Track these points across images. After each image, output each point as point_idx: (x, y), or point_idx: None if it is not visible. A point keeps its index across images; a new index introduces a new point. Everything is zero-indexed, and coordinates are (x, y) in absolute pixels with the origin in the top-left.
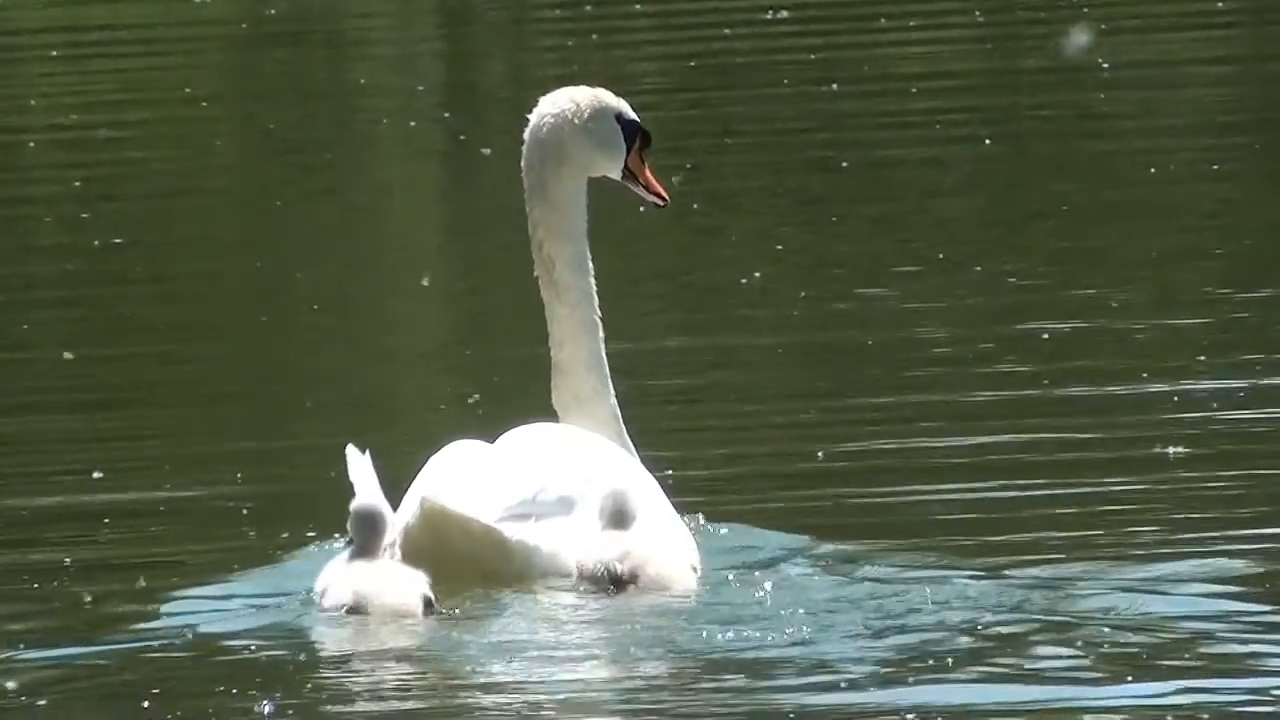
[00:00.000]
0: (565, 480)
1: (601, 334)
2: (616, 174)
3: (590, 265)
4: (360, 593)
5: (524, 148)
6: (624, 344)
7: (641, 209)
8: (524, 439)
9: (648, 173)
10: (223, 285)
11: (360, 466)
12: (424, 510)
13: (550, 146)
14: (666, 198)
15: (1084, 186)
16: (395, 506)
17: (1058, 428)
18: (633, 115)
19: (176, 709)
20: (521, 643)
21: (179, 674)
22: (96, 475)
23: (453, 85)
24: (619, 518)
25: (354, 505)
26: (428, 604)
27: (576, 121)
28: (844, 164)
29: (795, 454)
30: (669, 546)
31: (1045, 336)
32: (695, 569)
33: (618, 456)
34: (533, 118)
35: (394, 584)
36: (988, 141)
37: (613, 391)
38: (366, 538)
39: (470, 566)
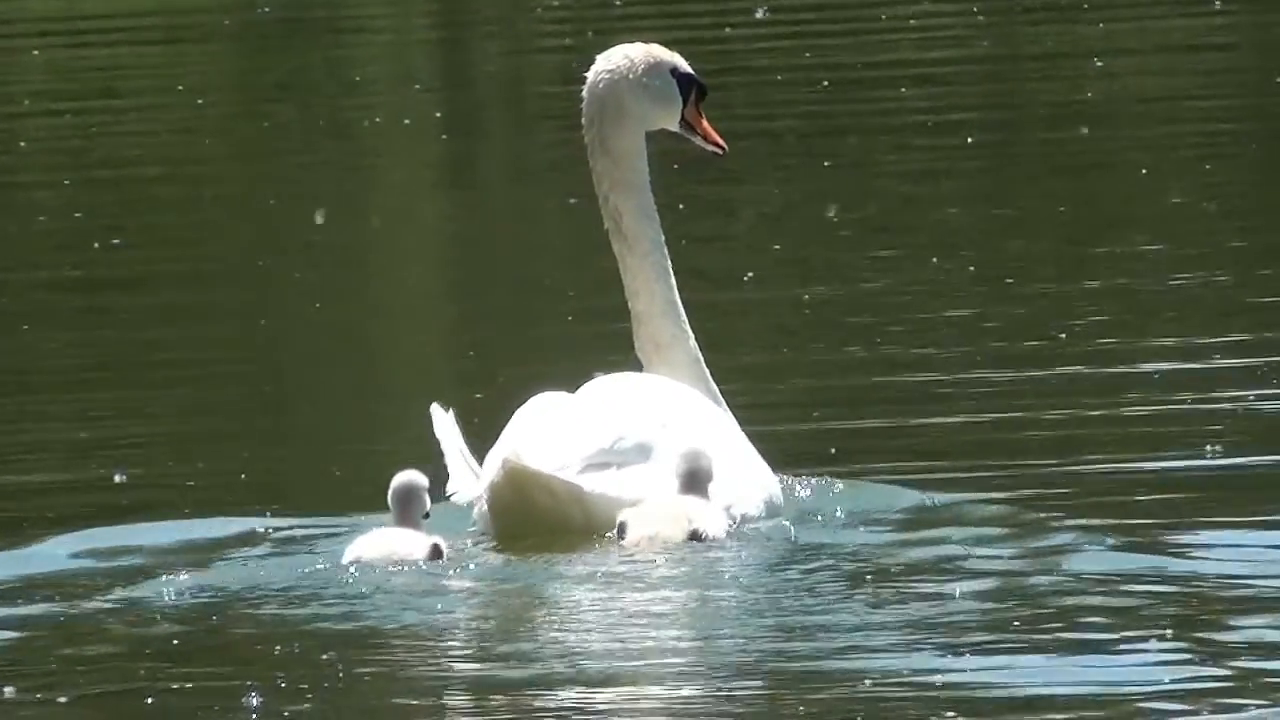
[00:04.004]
0: (642, 428)
1: (674, 280)
2: (674, 126)
3: (656, 215)
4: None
5: (583, 105)
6: (618, 352)
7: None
8: (603, 389)
9: (704, 123)
10: (219, 284)
11: (445, 424)
12: (506, 470)
13: (608, 103)
14: (724, 146)
15: (1081, 180)
16: (480, 459)
17: (1062, 411)
18: (687, 68)
19: (171, 692)
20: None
21: (176, 656)
22: (105, 461)
23: (448, 82)
24: (691, 480)
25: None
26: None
27: (631, 77)
28: (826, 164)
29: (800, 439)
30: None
31: (1062, 336)
32: (700, 532)
33: (697, 403)
34: (590, 76)
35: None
36: (969, 140)
37: (691, 335)
38: (399, 511)
39: (554, 521)
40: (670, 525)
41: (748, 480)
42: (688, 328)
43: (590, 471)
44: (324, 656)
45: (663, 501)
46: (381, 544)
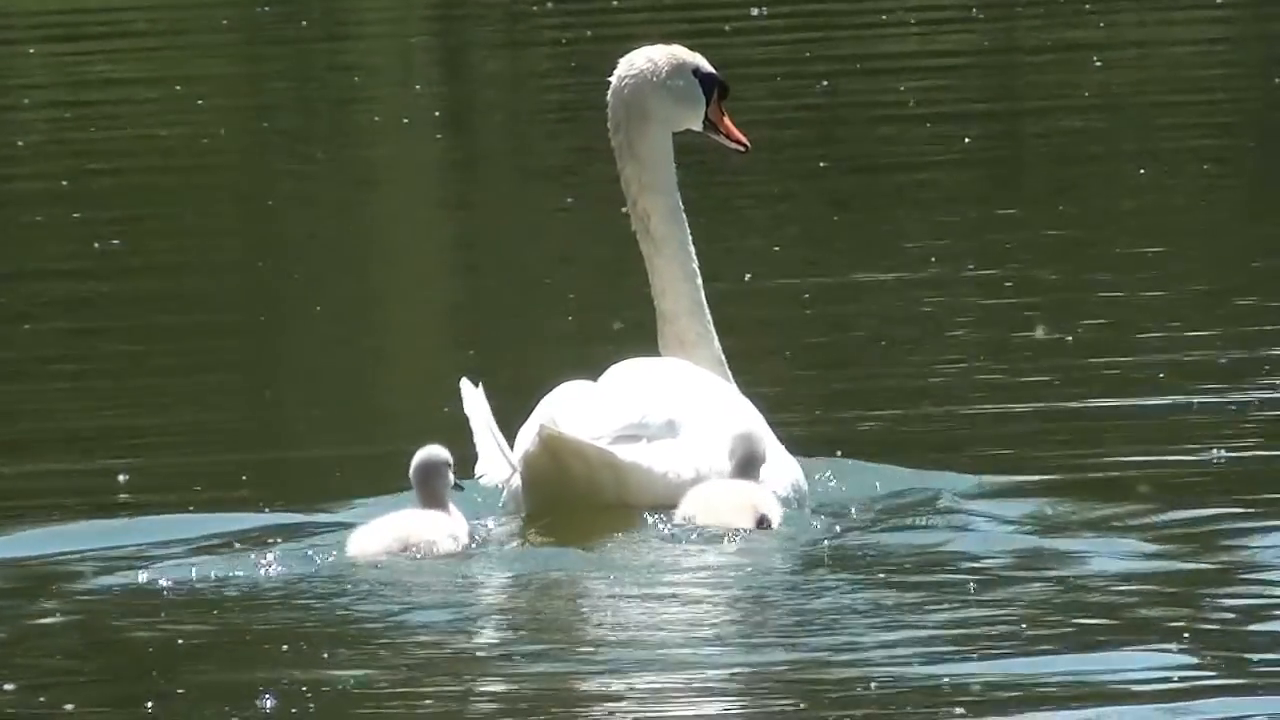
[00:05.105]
0: (670, 404)
1: (700, 280)
2: (698, 126)
3: (684, 216)
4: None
5: (608, 109)
6: (619, 352)
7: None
8: (629, 370)
9: (727, 121)
10: (219, 283)
11: (475, 400)
12: (542, 437)
13: (633, 106)
14: (747, 144)
15: (1079, 178)
16: (511, 441)
17: (1065, 404)
18: (709, 68)
19: (174, 694)
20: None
21: (179, 655)
22: (106, 458)
23: (448, 81)
24: (748, 464)
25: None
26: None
27: (655, 80)
28: (823, 164)
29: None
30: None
31: (1063, 333)
32: (766, 520)
33: (722, 385)
34: (613, 80)
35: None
36: (967, 140)
37: (715, 335)
38: (421, 487)
39: (587, 489)
40: (738, 514)
41: (777, 463)
42: (712, 328)
43: (621, 443)
44: (334, 656)
45: (729, 487)
46: (359, 542)
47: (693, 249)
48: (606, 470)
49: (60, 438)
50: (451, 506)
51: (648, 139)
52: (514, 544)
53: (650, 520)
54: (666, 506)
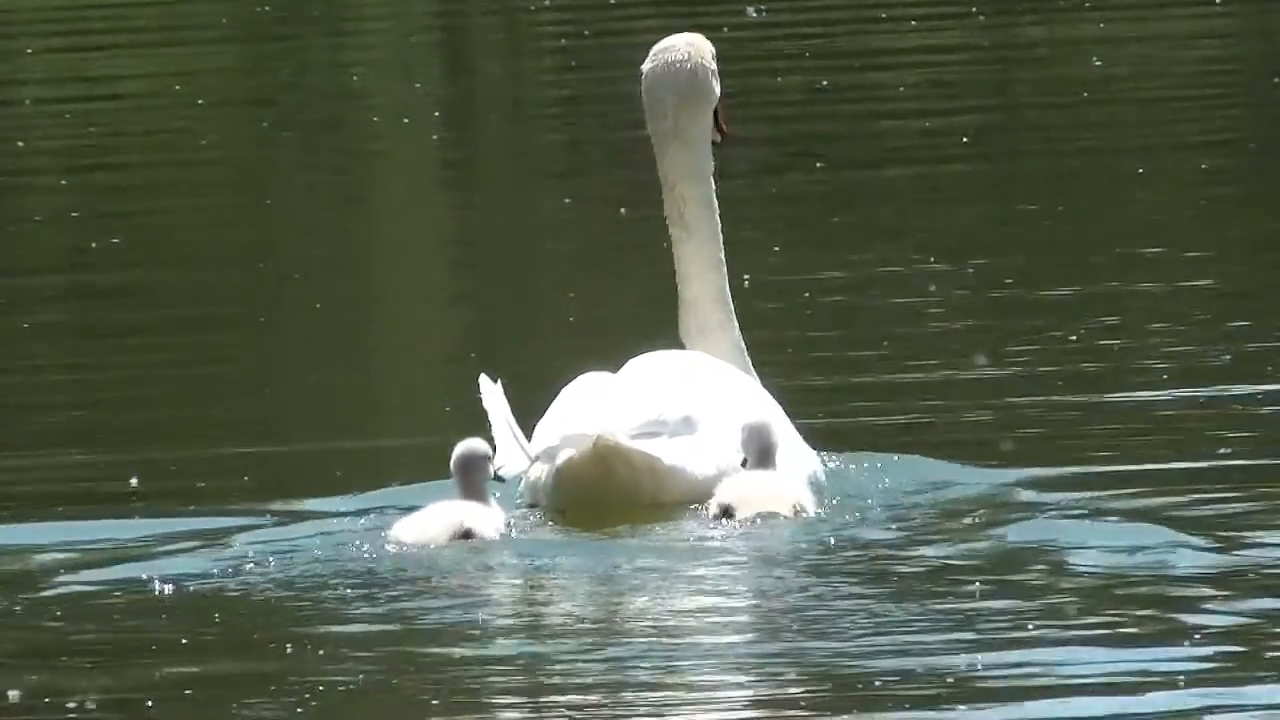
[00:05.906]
0: (689, 399)
1: (725, 270)
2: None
3: (716, 205)
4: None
5: (646, 98)
6: (619, 353)
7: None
8: (648, 363)
9: (722, 110)
10: (219, 283)
11: (493, 396)
12: (599, 448)
13: (690, 89)
14: (727, 133)
15: (1077, 179)
16: (527, 432)
17: (1065, 398)
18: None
19: (180, 697)
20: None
21: (184, 654)
22: (109, 456)
23: (447, 81)
24: (764, 454)
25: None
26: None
27: (703, 61)
28: (819, 164)
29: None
30: (780, 483)
31: (1061, 333)
32: (802, 507)
33: (740, 377)
34: (655, 66)
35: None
36: (965, 140)
37: (736, 324)
38: (461, 479)
39: (628, 491)
40: (777, 504)
41: (795, 454)
42: (733, 317)
43: (640, 439)
44: (339, 653)
45: (764, 478)
46: (414, 528)
47: (721, 239)
48: (649, 475)
49: (60, 434)
50: (491, 499)
51: (699, 122)
52: (542, 534)
53: (682, 511)
54: (696, 501)
